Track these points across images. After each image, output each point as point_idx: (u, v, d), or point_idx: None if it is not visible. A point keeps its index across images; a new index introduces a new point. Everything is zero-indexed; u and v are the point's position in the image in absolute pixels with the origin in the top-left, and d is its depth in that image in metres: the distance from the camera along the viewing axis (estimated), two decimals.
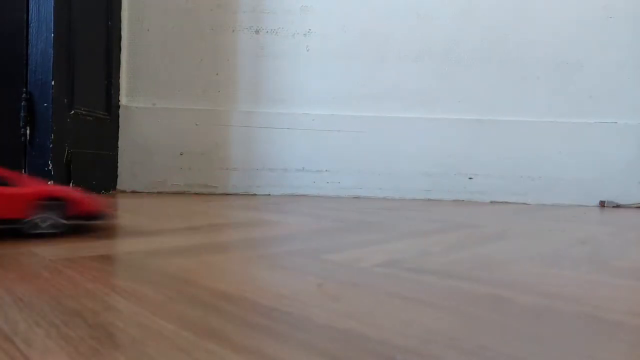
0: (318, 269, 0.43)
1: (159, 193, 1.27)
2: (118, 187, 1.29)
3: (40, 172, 0.98)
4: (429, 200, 1.30)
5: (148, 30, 1.31)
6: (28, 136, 0.98)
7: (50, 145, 0.99)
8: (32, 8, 0.99)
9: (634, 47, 1.31)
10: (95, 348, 0.24)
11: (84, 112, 1.11)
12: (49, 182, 0.66)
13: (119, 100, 1.30)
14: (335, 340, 0.26)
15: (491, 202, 1.30)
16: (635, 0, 1.31)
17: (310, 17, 1.33)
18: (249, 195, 1.30)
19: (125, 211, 0.86)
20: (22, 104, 0.98)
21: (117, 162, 1.29)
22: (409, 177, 1.32)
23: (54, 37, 0.99)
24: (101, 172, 1.21)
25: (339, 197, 1.30)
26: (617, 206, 1.28)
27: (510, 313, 0.32)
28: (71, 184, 1.05)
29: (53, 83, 0.99)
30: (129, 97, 1.31)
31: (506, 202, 1.30)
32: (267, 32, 1.33)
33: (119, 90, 1.29)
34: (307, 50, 1.33)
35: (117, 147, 1.29)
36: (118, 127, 1.29)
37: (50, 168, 0.98)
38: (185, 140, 1.31)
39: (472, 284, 0.39)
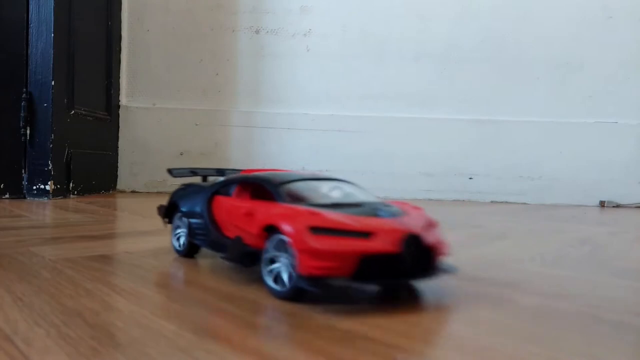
0: None
1: (158, 193, 1.27)
2: (118, 187, 1.29)
3: (40, 172, 0.98)
4: (429, 200, 1.30)
5: (148, 30, 1.31)
6: (28, 136, 0.98)
7: (50, 145, 0.99)
8: (32, 8, 0.99)
9: (634, 47, 1.31)
10: (95, 348, 0.24)
11: (84, 112, 1.11)
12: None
13: (119, 100, 1.30)
14: (335, 340, 0.26)
15: (491, 202, 1.30)
16: (635, 0, 1.31)
17: (310, 17, 1.33)
18: None
19: (125, 211, 0.86)
20: (22, 104, 0.98)
21: (117, 162, 1.29)
22: (409, 177, 1.32)
23: (54, 37, 0.99)
24: (101, 172, 1.21)
25: None
26: (617, 206, 1.28)
27: (510, 313, 0.32)
28: (71, 184, 1.05)
29: (53, 83, 0.99)
30: (129, 97, 1.31)
31: (506, 202, 1.30)
32: (267, 32, 1.33)
33: (119, 90, 1.29)
34: (307, 50, 1.33)
35: (117, 147, 1.29)
36: (118, 127, 1.29)
37: (50, 168, 0.98)
38: (185, 140, 1.31)
39: (472, 284, 0.39)
